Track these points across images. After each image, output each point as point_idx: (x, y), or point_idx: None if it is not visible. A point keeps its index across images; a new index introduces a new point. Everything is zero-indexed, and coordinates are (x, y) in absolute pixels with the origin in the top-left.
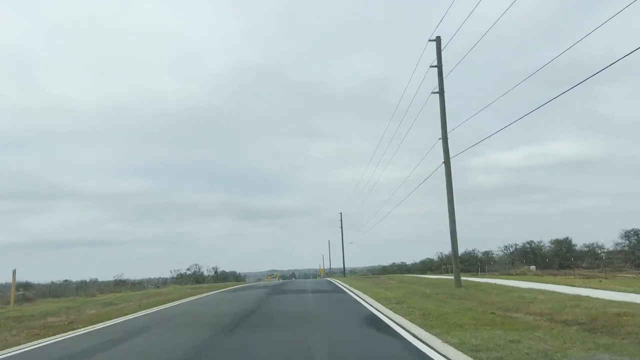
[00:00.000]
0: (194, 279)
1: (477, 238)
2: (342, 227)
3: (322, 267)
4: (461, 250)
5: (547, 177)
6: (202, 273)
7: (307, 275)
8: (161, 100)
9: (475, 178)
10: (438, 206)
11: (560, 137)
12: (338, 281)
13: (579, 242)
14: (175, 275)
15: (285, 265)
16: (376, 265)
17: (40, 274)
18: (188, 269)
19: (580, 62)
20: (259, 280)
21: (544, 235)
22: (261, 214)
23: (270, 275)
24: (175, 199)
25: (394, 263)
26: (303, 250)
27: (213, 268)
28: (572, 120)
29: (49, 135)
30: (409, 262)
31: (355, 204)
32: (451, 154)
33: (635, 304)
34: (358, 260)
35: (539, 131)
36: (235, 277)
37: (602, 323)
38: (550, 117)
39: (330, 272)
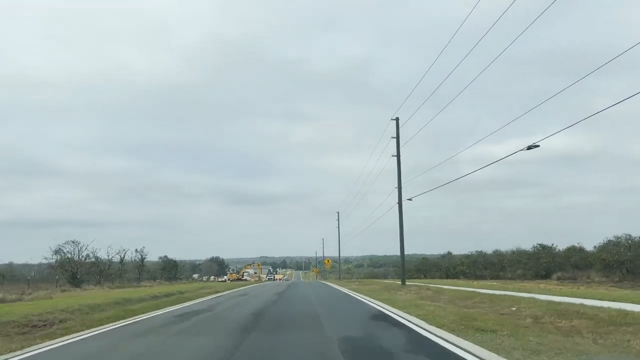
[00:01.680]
0: (70, 271)
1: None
2: (398, 151)
3: (320, 257)
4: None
5: (537, 170)
6: (85, 258)
7: (298, 264)
8: (132, 74)
9: (464, 171)
10: (447, 200)
11: (551, 131)
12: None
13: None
14: (54, 261)
15: (277, 252)
16: (391, 254)
17: (19, 254)
18: (56, 252)
19: (571, 52)
20: (233, 274)
21: (530, 230)
22: (250, 198)
23: (249, 265)
24: (161, 181)
25: (433, 254)
26: (295, 237)
27: (124, 251)
28: (564, 114)
29: (18, 109)
30: (455, 252)
31: (352, 193)
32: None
33: None
34: (355, 249)
35: (529, 124)
36: (217, 266)
37: None
38: (541, 110)
39: (340, 264)
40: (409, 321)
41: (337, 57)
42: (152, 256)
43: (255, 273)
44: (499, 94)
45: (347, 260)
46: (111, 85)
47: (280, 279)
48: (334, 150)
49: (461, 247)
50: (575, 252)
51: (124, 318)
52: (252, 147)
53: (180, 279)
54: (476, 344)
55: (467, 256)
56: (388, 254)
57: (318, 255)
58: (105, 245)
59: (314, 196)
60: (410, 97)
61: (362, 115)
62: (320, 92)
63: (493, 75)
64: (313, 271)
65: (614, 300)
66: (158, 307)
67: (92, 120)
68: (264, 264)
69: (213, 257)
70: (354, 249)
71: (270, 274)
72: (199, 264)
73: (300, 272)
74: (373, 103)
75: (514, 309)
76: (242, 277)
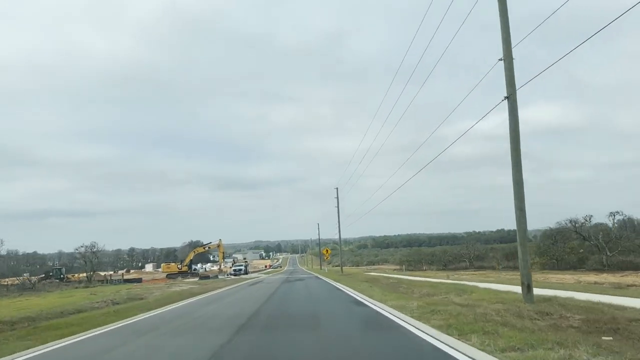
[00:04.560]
0: None
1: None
2: None
3: (322, 239)
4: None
5: (523, 144)
6: None
7: (294, 247)
8: (93, 55)
9: (451, 151)
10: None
11: (535, 103)
12: None
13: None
14: None
15: (272, 237)
16: (391, 234)
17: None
18: None
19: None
20: (171, 265)
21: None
22: (239, 183)
23: (203, 247)
24: (144, 168)
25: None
26: (289, 221)
27: None
28: (549, 84)
29: None
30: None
31: (344, 175)
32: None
33: None
34: (353, 231)
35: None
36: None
37: None
38: (526, 80)
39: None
40: None
41: (308, 31)
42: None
43: (231, 264)
44: (481, 65)
45: (347, 242)
46: (72, 67)
47: (268, 267)
48: (316, 131)
49: (450, 227)
50: None
51: None
52: (232, 130)
53: None
54: None
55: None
56: (388, 234)
57: (314, 238)
58: None
59: (304, 179)
60: (389, 71)
61: (341, 93)
62: (295, 69)
63: (475, 45)
64: (324, 256)
65: None
66: None
67: (59, 105)
68: (257, 248)
69: (191, 241)
70: (352, 231)
71: (238, 264)
72: (175, 251)
73: (297, 255)
74: (350, 79)
75: None
76: (190, 269)
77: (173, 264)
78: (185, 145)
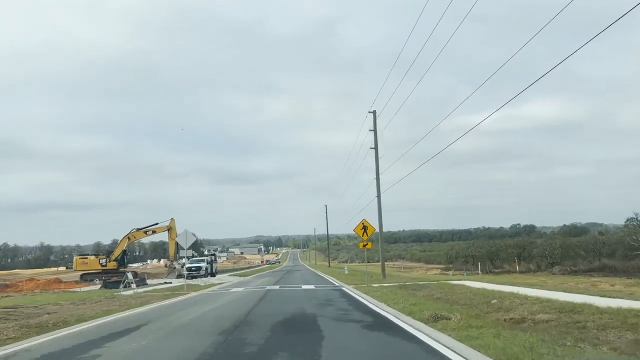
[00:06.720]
0: None
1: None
2: None
3: (320, 234)
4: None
5: (520, 140)
6: None
7: (296, 242)
8: (81, 44)
9: (447, 142)
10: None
11: (532, 99)
12: None
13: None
14: None
15: (273, 231)
16: (396, 230)
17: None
18: None
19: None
20: (90, 258)
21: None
22: (238, 178)
23: (144, 231)
24: (141, 161)
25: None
26: (290, 216)
27: None
28: (547, 79)
29: None
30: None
31: (343, 169)
32: None
33: None
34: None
35: (510, 93)
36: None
37: None
38: (521, 78)
39: (381, 237)
40: None
41: (302, 18)
42: None
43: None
44: (479, 61)
45: (351, 237)
46: (59, 57)
47: (265, 263)
48: (312, 125)
49: (452, 223)
50: None
51: None
52: (229, 123)
53: None
54: None
55: None
56: (392, 229)
57: (318, 233)
58: None
59: (304, 173)
60: (384, 66)
61: (337, 84)
62: (289, 60)
63: (473, 41)
64: (362, 242)
65: None
66: None
67: (45, 95)
68: (256, 242)
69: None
70: (352, 226)
71: (194, 259)
72: (164, 244)
73: (298, 250)
74: (346, 70)
75: None
76: (123, 266)
77: (93, 257)
78: (184, 140)
